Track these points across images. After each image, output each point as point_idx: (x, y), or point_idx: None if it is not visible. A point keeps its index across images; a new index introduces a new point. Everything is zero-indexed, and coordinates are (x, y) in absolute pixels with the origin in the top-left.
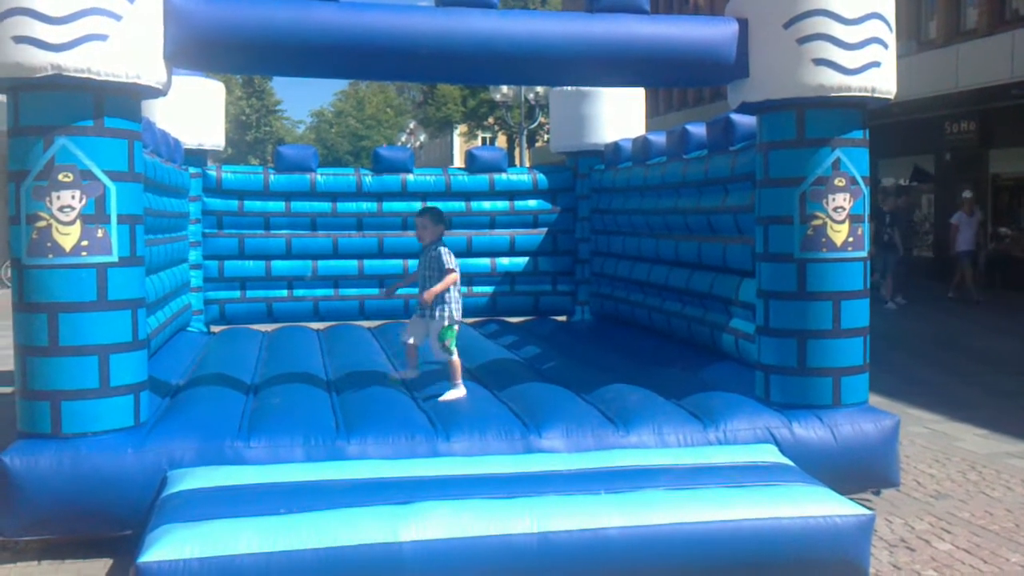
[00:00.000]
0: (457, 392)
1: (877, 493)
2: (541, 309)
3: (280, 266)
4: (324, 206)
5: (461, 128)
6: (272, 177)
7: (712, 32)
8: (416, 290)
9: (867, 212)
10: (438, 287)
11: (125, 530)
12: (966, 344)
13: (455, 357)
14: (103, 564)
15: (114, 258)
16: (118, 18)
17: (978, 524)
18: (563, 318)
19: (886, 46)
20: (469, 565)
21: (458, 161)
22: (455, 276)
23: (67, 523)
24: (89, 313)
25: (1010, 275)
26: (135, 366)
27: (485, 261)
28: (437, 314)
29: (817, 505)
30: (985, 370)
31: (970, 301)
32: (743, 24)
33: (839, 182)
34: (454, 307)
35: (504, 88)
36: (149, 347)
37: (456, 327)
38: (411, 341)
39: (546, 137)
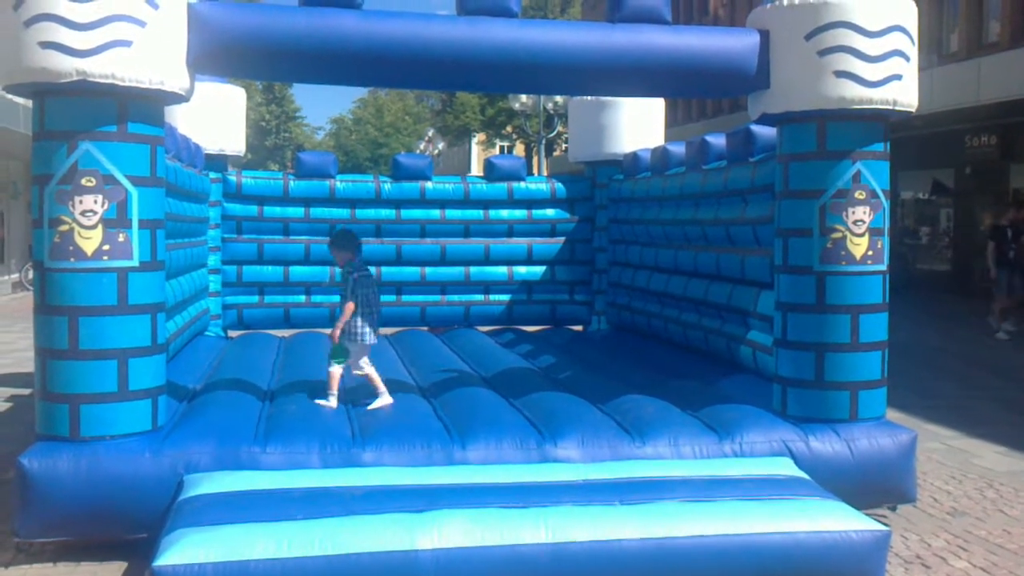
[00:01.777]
0: (385, 399)
1: (893, 509)
2: (558, 318)
3: (298, 272)
4: (343, 212)
5: (479, 136)
6: (292, 183)
7: (733, 43)
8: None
9: (887, 225)
10: (339, 323)
11: (141, 533)
12: (985, 359)
13: (370, 370)
14: (118, 567)
15: (135, 262)
16: (143, 25)
17: (995, 542)
18: (579, 328)
19: (908, 59)
20: (484, 574)
21: (475, 169)
22: (350, 307)
23: (83, 526)
24: (109, 317)
25: None
26: (153, 370)
27: (502, 270)
28: (358, 340)
29: (833, 520)
30: (1005, 385)
31: None
32: (764, 35)
33: (859, 195)
34: (367, 331)
35: (523, 97)
36: (167, 351)
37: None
38: (360, 372)
39: (564, 146)
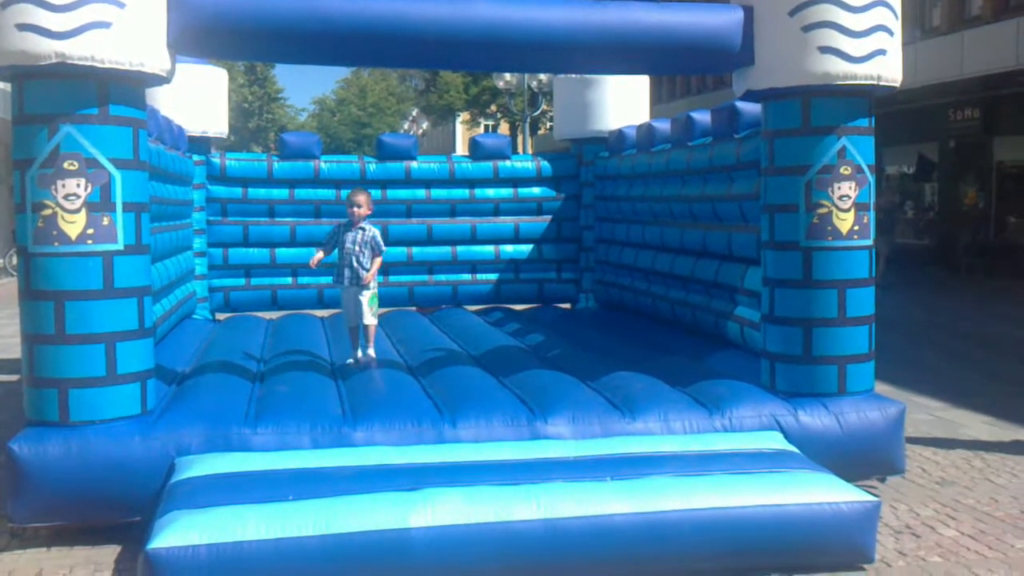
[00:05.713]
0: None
1: (882, 480)
2: (545, 297)
3: (284, 253)
4: (328, 193)
5: (463, 116)
6: (276, 164)
7: (717, 20)
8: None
9: (873, 200)
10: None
11: (133, 517)
12: (970, 331)
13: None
14: (112, 551)
15: (120, 246)
16: (121, 5)
17: (983, 511)
18: (567, 306)
19: (892, 34)
20: (476, 551)
21: (460, 149)
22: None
23: (76, 510)
24: (95, 301)
25: (1014, 262)
26: (142, 354)
27: (489, 249)
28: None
29: (823, 492)
30: (990, 357)
31: None
32: (748, 11)
33: (845, 170)
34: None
35: (507, 76)
36: (155, 335)
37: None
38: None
39: (549, 124)
